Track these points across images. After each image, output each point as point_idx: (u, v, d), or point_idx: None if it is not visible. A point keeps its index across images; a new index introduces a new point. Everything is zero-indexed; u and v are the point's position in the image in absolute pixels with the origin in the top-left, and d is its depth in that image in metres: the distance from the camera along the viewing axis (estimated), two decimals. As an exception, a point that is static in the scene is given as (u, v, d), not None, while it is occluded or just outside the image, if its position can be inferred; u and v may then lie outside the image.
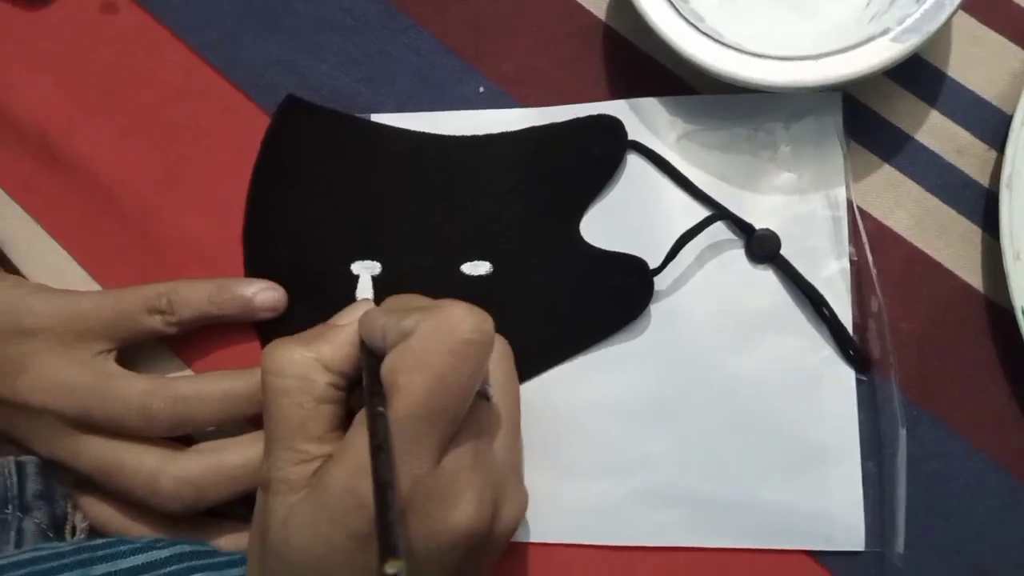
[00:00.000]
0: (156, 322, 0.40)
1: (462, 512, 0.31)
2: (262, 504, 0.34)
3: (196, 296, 0.40)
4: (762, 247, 0.40)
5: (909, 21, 0.37)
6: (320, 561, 0.31)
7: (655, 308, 0.40)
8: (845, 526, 0.37)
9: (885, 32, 0.37)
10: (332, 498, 0.30)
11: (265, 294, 0.40)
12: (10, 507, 0.38)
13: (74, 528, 0.40)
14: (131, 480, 0.38)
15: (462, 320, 0.31)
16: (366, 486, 0.29)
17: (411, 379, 0.30)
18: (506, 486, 0.34)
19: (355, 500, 0.30)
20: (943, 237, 0.40)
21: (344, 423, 0.34)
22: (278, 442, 0.33)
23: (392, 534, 0.27)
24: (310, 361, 0.33)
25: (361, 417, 0.32)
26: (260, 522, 0.34)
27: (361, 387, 0.33)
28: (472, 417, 0.33)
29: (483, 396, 0.34)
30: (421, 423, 0.30)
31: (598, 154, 0.41)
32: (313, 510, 0.31)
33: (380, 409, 0.30)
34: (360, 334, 0.35)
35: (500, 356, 0.36)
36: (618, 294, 0.40)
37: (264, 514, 0.33)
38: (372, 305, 0.38)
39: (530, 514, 0.39)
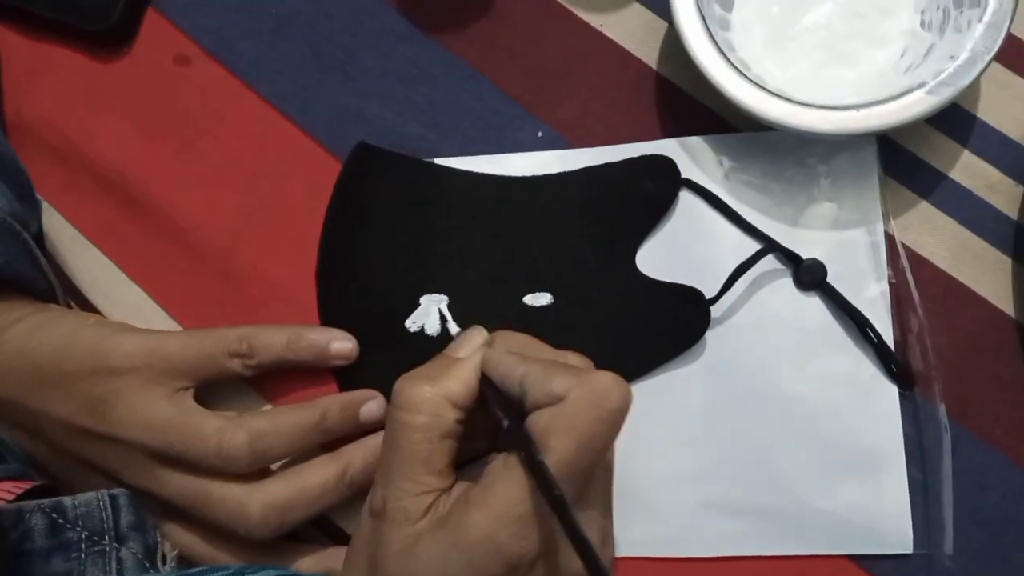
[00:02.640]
0: (236, 365, 0.41)
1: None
2: (370, 532, 0.35)
3: (274, 342, 0.42)
4: (809, 275, 0.43)
5: (944, 75, 0.40)
6: None
7: (710, 334, 0.43)
8: (895, 530, 0.40)
9: (921, 86, 0.40)
10: (471, 542, 0.32)
11: (340, 344, 0.42)
12: (107, 538, 0.39)
13: (164, 556, 0.41)
14: (218, 509, 0.39)
15: (611, 391, 0.33)
16: (507, 535, 0.32)
17: (563, 443, 0.32)
18: (609, 527, 0.37)
19: (494, 547, 0.32)
20: (976, 267, 0.43)
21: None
22: (400, 472, 0.34)
23: None
24: (440, 399, 0.35)
25: (499, 466, 0.33)
26: (368, 550, 0.35)
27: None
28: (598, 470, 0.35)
29: None
30: (566, 484, 0.32)
31: (653, 191, 0.44)
32: (445, 548, 0.32)
33: (540, 459, 0.32)
34: (486, 372, 0.36)
35: None
36: (676, 322, 0.43)
37: (375, 543, 0.34)
38: (485, 336, 0.39)
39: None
